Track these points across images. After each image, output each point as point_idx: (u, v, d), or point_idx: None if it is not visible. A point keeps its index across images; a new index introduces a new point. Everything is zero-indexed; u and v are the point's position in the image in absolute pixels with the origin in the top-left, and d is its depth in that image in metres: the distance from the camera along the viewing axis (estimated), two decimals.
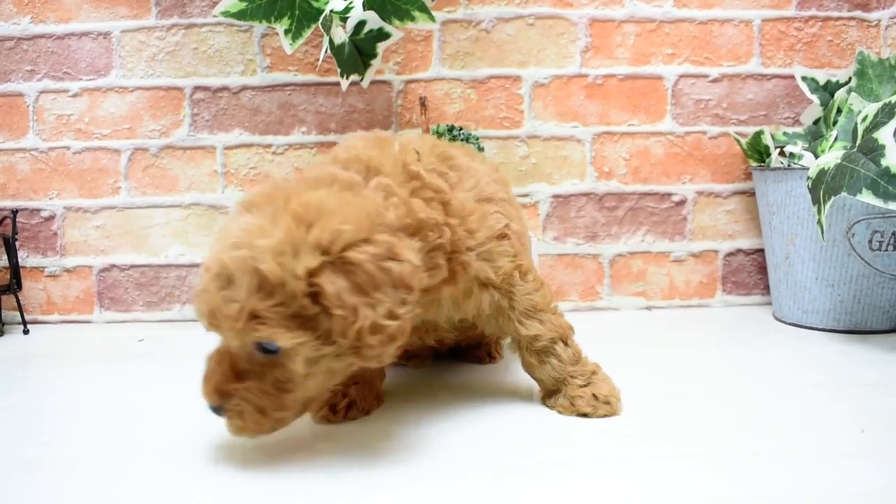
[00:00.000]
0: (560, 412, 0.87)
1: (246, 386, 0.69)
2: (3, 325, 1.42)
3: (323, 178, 0.74)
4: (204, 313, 0.68)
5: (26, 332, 1.40)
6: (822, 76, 1.40)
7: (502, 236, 0.84)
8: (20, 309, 1.40)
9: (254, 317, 0.65)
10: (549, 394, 0.89)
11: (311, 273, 0.65)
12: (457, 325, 0.93)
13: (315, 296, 0.65)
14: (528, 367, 0.89)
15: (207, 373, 0.71)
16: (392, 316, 0.67)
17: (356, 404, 0.87)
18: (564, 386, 0.87)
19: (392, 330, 0.67)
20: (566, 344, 0.88)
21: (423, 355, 1.10)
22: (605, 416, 0.85)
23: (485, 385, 1.01)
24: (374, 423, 0.86)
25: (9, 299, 1.43)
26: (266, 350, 0.68)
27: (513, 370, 1.06)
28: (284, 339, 0.65)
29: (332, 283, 0.65)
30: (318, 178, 0.74)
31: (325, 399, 0.86)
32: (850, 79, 1.34)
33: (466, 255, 0.81)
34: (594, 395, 0.86)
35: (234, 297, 0.65)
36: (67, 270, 1.47)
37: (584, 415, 0.85)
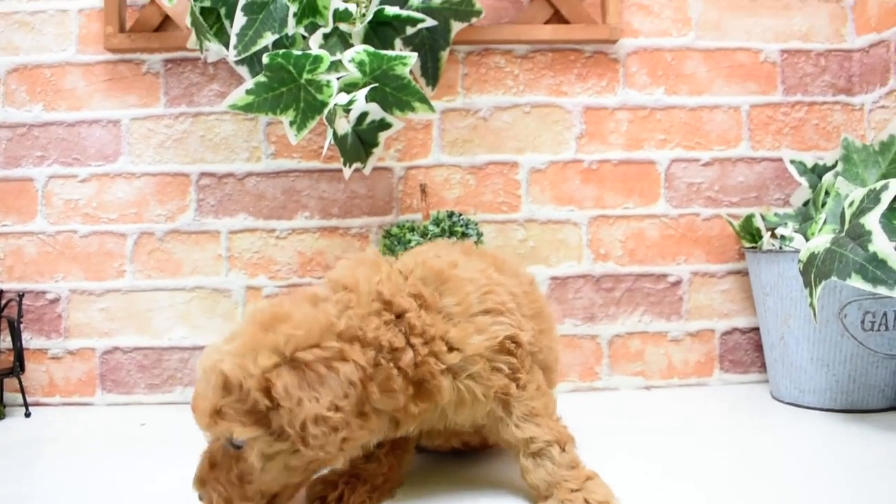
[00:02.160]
0: None
1: (216, 476, 0.77)
2: (5, 407, 1.43)
3: (304, 296, 0.84)
4: (192, 409, 0.77)
5: (28, 415, 1.40)
6: (809, 159, 1.44)
7: (501, 349, 0.85)
8: (23, 392, 1.41)
9: (216, 412, 0.74)
10: (541, 500, 0.86)
11: (266, 371, 0.74)
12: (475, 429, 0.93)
13: (268, 391, 0.73)
14: (523, 473, 0.87)
15: (198, 463, 0.80)
16: (334, 408, 0.74)
17: (345, 498, 0.87)
18: (556, 490, 0.84)
19: (334, 421, 0.73)
20: (563, 450, 0.86)
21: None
22: None
23: (494, 478, 1.01)
24: None
25: (11, 382, 1.43)
26: (234, 445, 0.76)
27: None
28: (239, 432, 0.74)
29: (280, 379, 0.73)
30: (304, 296, 0.84)
31: (317, 491, 0.88)
32: (836, 162, 1.38)
33: (438, 378, 0.82)
34: (586, 499, 0.82)
35: (206, 394, 0.75)
36: (70, 352, 1.48)
37: None
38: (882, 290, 1.02)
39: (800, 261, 1.19)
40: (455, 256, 0.91)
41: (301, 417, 0.72)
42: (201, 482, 0.78)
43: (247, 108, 1.16)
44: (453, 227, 1.29)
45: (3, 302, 1.42)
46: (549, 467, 0.85)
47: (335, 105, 1.14)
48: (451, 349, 0.83)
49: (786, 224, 1.40)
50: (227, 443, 0.77)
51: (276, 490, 0.80)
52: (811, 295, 1.14)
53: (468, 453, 1.08)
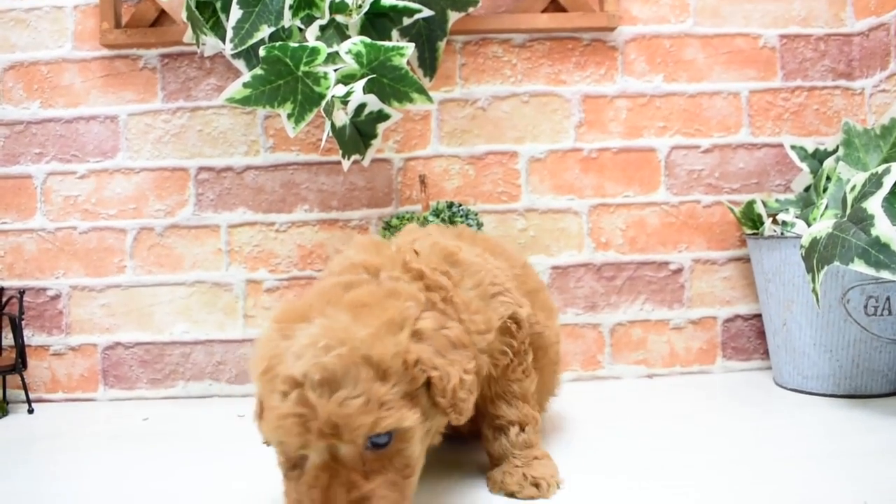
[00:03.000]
0: (490, 488, 0.88)
1: (378, 483, 0.66)
2: (8, 404, 1.43)
3: (334, 286, 0.76)
4: (312, 430, 0.64)
5: (31, 411, 1.40)
6: (810, 145, 1.44)
7: (504, 330, 0.87)
8: (25, 388, 1.41)
9: (381, 404, 0.65)
10: (491, 468, 0.90)
11: (407, 347, 0.69)
12: None
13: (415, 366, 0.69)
14: (483, 440, 0.91)
15: (318, 495, 0.65)
16: (467, 371, 0.73)
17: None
18: (504, 462, 0.88)
19: (469, 384, 0.72)
20: (522, 430, 0.89)
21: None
22: (531, 498, 0.84)
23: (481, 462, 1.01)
24: None
25: (14, 378, 1.44)
26: (377, 445, 0.66)
27: None
28: (410, 418, 0.67)
29: (424, 352, 0.69)
30: (330, 287, 0.76)
31: None
32: (837, 147, 1.38)
33: (478, 355, 0.82)
34: (524, 475, 0.85)
35: (352, 394, 0.63)
36: (72, 349, 1.48)
37: (511, 494, 0.85)
38: (885, 275, 1.02)
39: (802, 246, 1.18)
40: (453, 240, 0.91)
41: (451, 385, 0.70)
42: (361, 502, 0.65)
43: (244, 101, 1.16)
44: (453, 218, 1.29)
45: (5, 299, 1.42)
46: (503, 442, 0.89)
47: (333, 97, 1.14)
48: (482, 330, 0.83)
49: (787, 210, 1.40)
50: (370, 446, 0.66)
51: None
52: (813, 280, 1.14)
53: (455, 441, 1.08)
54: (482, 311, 0.83)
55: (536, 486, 0.85)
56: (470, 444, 1.01)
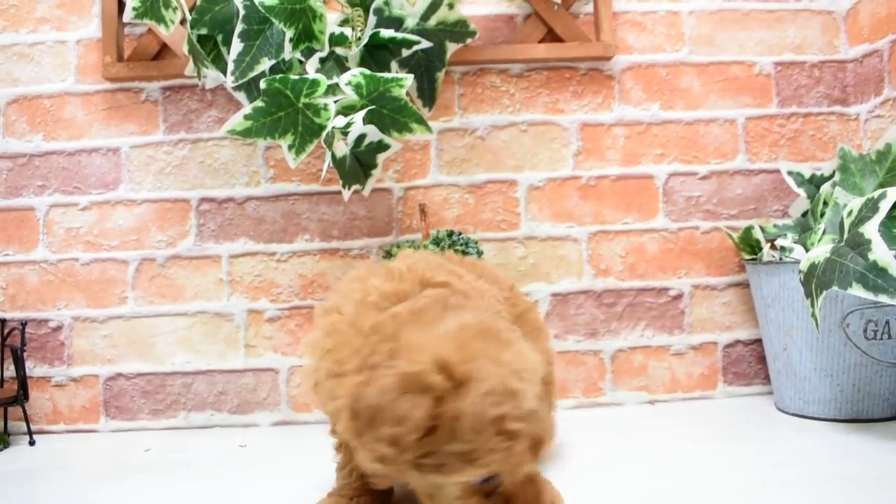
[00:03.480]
0: None
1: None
2: (9, 436, 1.43)
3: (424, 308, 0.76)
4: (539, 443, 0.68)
5: (32, 443, 1.40)
6: (806, 170, 1.45)
7: None
8: (27, 420, 1.41)
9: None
10: None
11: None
12: None
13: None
14: None
15: None
16: None
17: None
18: None
19: None
20: None
21: None
22: None
23: None
24: None
25: (15, 410, 1.43)
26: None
27: None
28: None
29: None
30: (421, 308, 0.76)
31: None
32: (833, 172, 1.39)
33: None
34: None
35: (529, 419, 0.67)
36: (74, 380, 1.48)
37: None
38: (884, 299, 1.02)
39: (800, 271, 1.19)
40: (440, 266, 0.91)
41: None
42: None
43: (245, 133, 1.17)
44: (453, 246, 1.29)
45: (7, 331, 1.42)
46: None
47: (333, 128, 1.15)
48: None
49: (785, 235, 1.41)
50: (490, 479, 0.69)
51: None
52: (813, 305, 1.14)
53: None
54: None
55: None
56: None
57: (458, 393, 0.66)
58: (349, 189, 1.29)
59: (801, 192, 1.43)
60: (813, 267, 1.16)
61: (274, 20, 1.16)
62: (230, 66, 1.19)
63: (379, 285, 0.82)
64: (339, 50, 1.25)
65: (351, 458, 0.88)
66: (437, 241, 1.30)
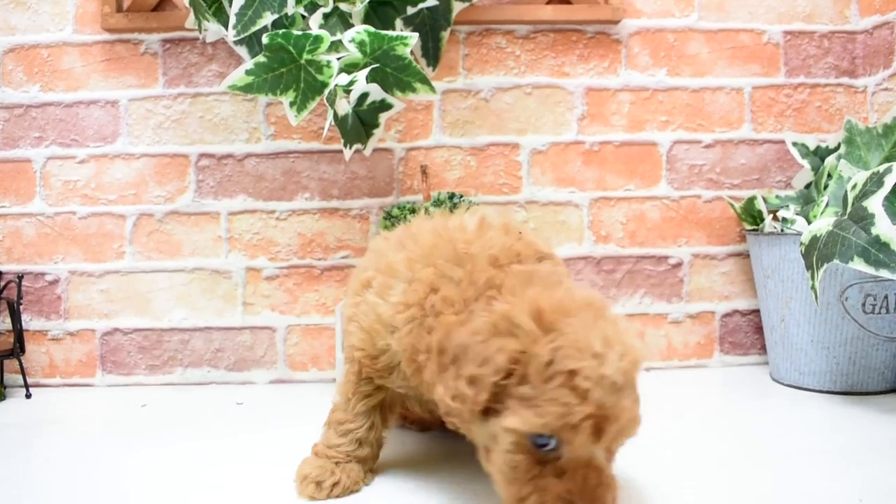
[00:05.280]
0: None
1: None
2: (5, 388, 1.43)
3: (555, 279, 0.76)
4: (611, 429, 0.66)
5: (28, 396, 1.40)
6: (811, 141, 1.44)
7: None
8: (23, 373, 1.41)
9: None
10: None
11: None
12: None
13: None
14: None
15: (591, 498, 0.66)
16: None
17: (341, 483, 0.86)
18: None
19: None
20: None
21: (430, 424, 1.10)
22: None
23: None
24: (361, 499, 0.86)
25: (11, 363, 1.44)
26: (541, 445, 0.68)
27: None
28: None
29: None
30: (545, 277, 0.76)
31: (315, 475, 0.86)
32: (839, 144, 1.38)
33: None
34: None
35: (636, 397, 0.69)
36: (70, 334, 1.48)
37: None
38: (884, 273, 1.02)
39: (801, 243, 1.18)
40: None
41: None
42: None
43: (246, 88, 1.16)
44: (454, 209, 1.28)
45: (3, 284, 1.41)
46: None
47: (335, 86, 1.13)
48: None
49: (787, 207, 1.40)
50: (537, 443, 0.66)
51: None
52: (813, 278, 1.14)
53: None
54: None
55: None
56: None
57: (542, 340, 0.66)
58: (350, 148, 1.28)
59: (806, 163, 1.42)
60: (814, 239, 1.15)
61: None
62: (232, 20, 1.16)
63: (497, 239, 0.81)
64: (343, 6, 1.23)
65: (369, 415, 0.89)
66: (437, 203, 1.29)
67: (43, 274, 1.48)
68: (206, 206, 1.48)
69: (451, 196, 1.31)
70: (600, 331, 0.66)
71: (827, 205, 1.29)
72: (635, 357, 0.67)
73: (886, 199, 1.10)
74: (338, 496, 0.86)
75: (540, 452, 0.66)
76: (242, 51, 1.31)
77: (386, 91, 1.23)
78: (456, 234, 0.84)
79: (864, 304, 1.25)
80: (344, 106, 1.23)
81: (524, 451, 0.66)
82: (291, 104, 1.18)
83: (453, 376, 0.68)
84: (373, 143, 1.32)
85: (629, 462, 0.92)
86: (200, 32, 1.32)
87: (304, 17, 1.23)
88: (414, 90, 1.24)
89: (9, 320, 1.41)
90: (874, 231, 1.05)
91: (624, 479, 0.88)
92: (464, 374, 0.67)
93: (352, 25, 1.21)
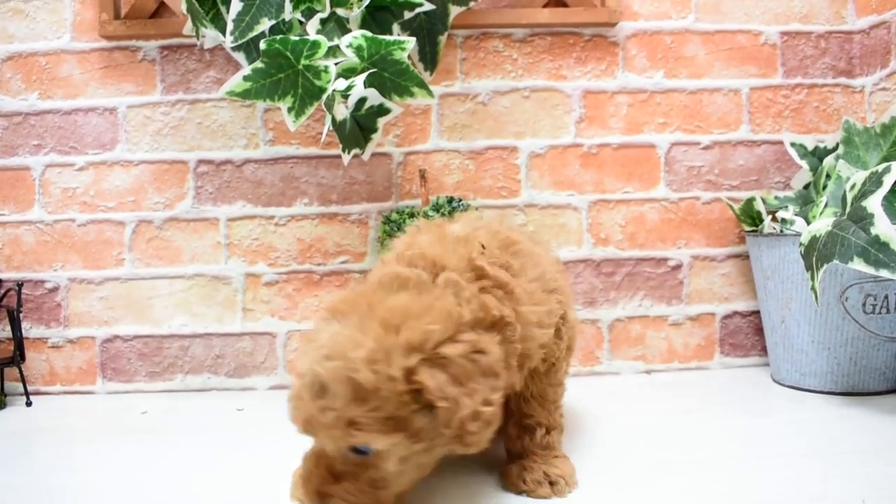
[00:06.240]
0: (504, 484, 0.88)
1: (344, 487, 0.70)
2: (6, 396, 1.43)
3: (392, 280, 0.77)
4: (299, 420, 0.71)
5: (29, 404, 1.40)
6: (810, 142, 1.44)
7: (558, 330, 0.87)
8: (23, 381, 1.41)
9: (350, 423, 0.67)
10: (508, 463, 0.90)
11: (410, 372, 0.68)
12: None
13: (414, 393, 0.68)
14: (505, 437, 0.91)
15: (306, 474, 0.72)
16: (487, 403, 0.69)
17: None
18: (524, 458, 0.88)
19: (488, 415, 0.69)
20: (548, 433, 0.89)
21: None
22: (544, 497, 0.84)
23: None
24: None
25: (12, 371, 1.43)
26: (359, 451, 0.69)
27: None
28: (380, 442, 0.68)
29: (432, 378, 0.68)
30: (389, 279, 0.77)
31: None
32: (837, 145, 1.38)
33: (536, 350, 0.82)
34: (545, 472, 0.86)
35: (330, 405, 0.67)
36: (70, 341, 1.48)
37: (525, 492, 0.85)
38: (884, 273, 1.02)
39: (801, 244, 1.18)
40: (497, 227, 0.89)
41: (460, 416, 0.67)
42: (321, 496, 0.70)
43: (244, 94, 1.16)
44: (453, 213, 1.28)
45: (2, 291, 1.41)
46: (526, 442, 0.89)
47: (333, 91, 1.13)
48: (545, 324, 0.83)
49: (786, 207, 1.40)
50: (350, 451, 0.69)
51: (406, 489, 0.76)
52: (812, 278, 1.14)
53: None
54: (545, 303, 0.83)
55: (553, 483, 0.85)
56: None
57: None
58: (349, 153, 1.28)
59: (804, 164, 1.42)
60: (814, 240, 1.15)
61: None
62: (229, 26, 1.16)
63: (423, 244, 0.82)
64: (340, 11, 1.23)
65: None
66: (436, 208, 1.29)
67: (42, 281, 1.48)
68: (205, 213, 1.48)
69: (450, 200, 1.31)
70: (331, 334, 0.71)
71: (826, 205, 1.29)
72: (339, 368, 0.67)
73: (885, 198, 1.10)
74: None
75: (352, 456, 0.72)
76: (240, 57, 1.31)
77: (384, 96, 1.23)
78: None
79: (864, 305, 1.24)
80: (342, 111, 1.23)
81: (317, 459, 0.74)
82: (289, 110, 1.18)
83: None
84: (371, 147, 1.32)
85: (630, 462, 0.92)
86: (198, 39, 1.32)
87: (301, 22, 1.23)
88: (412, 95, 1.24)
89: (9, 328, 1.41)
90: (874, 231, 1.05)
91: (625, 480, 0.89)
92: None
93: (349, 30, 1.21)
